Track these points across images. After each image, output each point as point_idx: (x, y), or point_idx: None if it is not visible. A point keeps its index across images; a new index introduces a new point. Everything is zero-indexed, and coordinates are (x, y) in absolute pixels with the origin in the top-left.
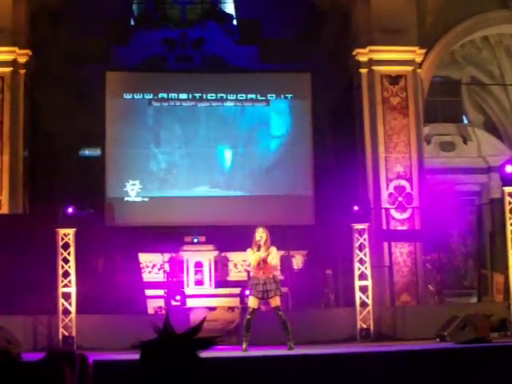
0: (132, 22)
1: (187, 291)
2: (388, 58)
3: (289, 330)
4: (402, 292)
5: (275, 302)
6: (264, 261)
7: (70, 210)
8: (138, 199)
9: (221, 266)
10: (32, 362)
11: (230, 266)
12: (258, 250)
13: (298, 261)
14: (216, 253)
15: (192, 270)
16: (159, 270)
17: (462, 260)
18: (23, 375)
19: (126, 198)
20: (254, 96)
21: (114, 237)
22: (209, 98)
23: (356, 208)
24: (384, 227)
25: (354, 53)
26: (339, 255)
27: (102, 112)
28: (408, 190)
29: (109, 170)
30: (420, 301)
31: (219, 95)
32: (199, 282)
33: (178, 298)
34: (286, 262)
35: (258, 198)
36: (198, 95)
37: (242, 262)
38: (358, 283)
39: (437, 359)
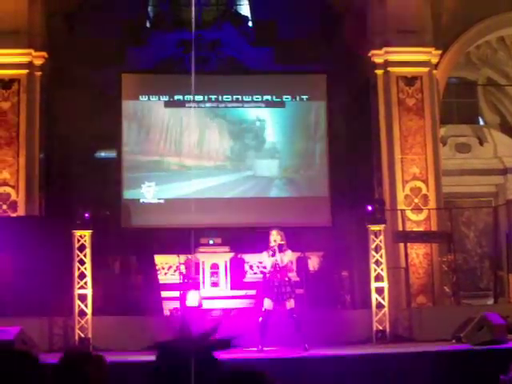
0: (147, 24)
1: (203, 293)
2: (404, 59)
3: (303, 332)
4: (418, 293)
5: (289, 304)
6: (279, 264)
7: (87, 214)
8: (154, 201)
9: (236, 267)
10: (50, 363)
11: (246, 267)
12: (273, 254)
13: (313, 262)
14: (232, 254)
15: (208, 271)
16: (175, 271)
17: (478, 261)
18: (42, 376)
19: (141, 200)
20: (269, 98)
21: (130, 238)
22: (224, 99)
23: (370, 208)
24: (400, 228)
25: (369, 54)
26: (355, 257)
27: (117, 114)
28: (424, 191)
29: (125, 172)
30: (436, 302)
31: (235, 97)
32: (215, 284)
33: (192, 297)
34: (301, 263)
35: (274, 199)
36: (213, 97)
37: (257, 264)
38: (373, 285)
39: (453, 361)
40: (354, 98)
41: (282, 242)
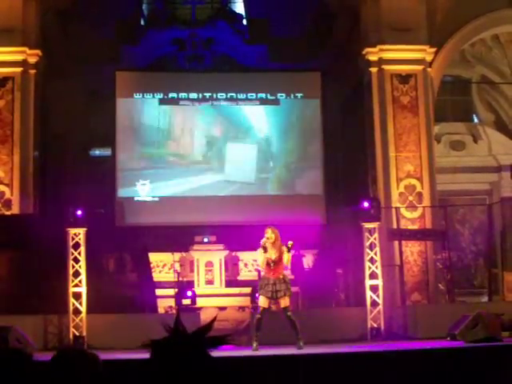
0: (142, 22)
1: (197, 291)
2: (398, 57)
3: (298, 330)
4: (412, 291)
5: (284, 302)
6: (274, 262)
7: (80, 212)
8: (149, 199)
9: (231, 265)
10: (43, 361)
11: (241, 265)
12: (265, 251)
13: (308, 260)
14: (226, 252)
15: (202, 269)
16: (170, 269)
17: (472, 259)
18: (35, 375)
19: (136, 198)
20: (264, 95)
21: (125, 236)
22: (219, 97)
23: (366, 204)
24: (394, 226)
25: (363, 52)
26: (350, 254)
27: (112, 112)
28: (418, 189)
29: (119, 170)
30: (431, 300)
31: (229, 95)
32: (210, 282)
33: (190, 293)
34: (296, 261)
35: (269, 197)
36: (207, 95)
37: (252, 262)
38: (368, 282)
39: (447, 358)
40: (348, 95)
41: (291, 242)
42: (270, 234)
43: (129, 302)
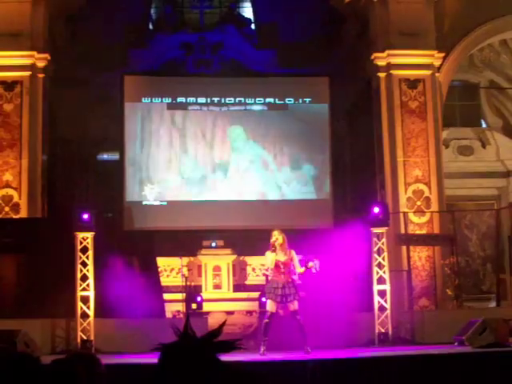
0: (150, 26)
1: (205, 295)
2: (406, 62)
3: (306, 335)
4: (420, 296)
5: (293, 306)
6: (284, 265)
7: (87, 216)
8: (157, 203)
9: (239, 270)
10: (49, 364)
11: (248, 270)
12: (274, 251)
13: (316, 265)
14: (234, 257)
15: (210, 273)
16: (177, 273)
17: (480, 264)
18: (43, 378)
19: (144, 202)
20: (272, 100)
21: (133, 241)
22: (227, 102)
23: (377, 209)
24: (402, 231)
25: (372, 57)
26: (357, 259)
27: (120, 116)
28: (426, 194)
29: (127, 174)
30: (438, 305)
31: (237, 99)
32: (217, 286)
33: (199, 299)
34: (304, 266)
35: (277, 202)
36: (216, 99)
37: (260, 266)
38: (376, 287)
39: (455, 363)
40: (356, 100)
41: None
42: (277, 235)
43: (136, 306)
